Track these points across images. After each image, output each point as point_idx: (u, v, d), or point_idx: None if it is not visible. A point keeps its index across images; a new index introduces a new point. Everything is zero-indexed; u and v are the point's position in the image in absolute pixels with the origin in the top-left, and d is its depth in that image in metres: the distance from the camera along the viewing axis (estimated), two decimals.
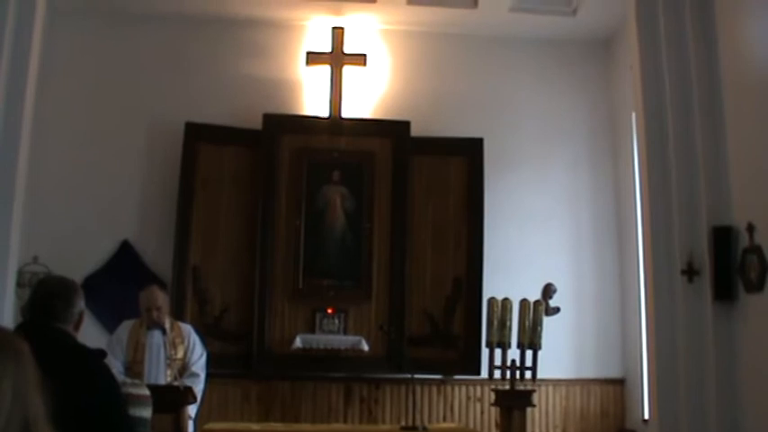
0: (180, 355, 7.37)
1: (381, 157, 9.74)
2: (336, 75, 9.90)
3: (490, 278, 9.50)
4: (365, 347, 9.20)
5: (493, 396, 8.76)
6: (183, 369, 7.36)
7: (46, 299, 3.60)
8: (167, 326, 7.44)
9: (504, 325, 8.66)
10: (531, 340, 8.64)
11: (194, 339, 7.56)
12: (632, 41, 7.24)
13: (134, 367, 7.16)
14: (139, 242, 9.57)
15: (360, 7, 9.89)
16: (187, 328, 7.68)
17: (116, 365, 6.73)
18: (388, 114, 9.96)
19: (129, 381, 4.43)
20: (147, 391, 4.73)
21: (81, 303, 3.67)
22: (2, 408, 1.75)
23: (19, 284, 6.96)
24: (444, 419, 9.56)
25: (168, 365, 7.25)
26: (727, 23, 6.53)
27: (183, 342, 7.44)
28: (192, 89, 9.79)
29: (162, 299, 7.47)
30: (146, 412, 4.54)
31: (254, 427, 7.97)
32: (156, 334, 7.35)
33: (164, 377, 7.18)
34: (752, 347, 6.14)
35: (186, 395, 7.07)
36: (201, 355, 7.54)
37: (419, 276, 9.64)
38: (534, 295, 9.05)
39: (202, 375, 7.46)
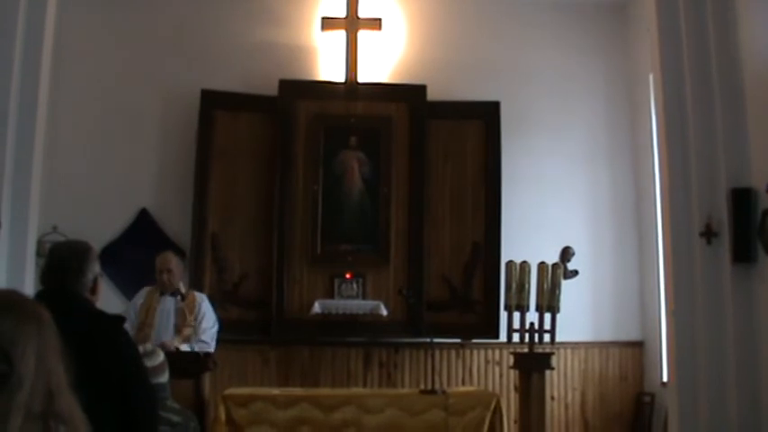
0: (190, 322, 7.42)
1: (398, 121, 9.71)
2: (352, 39, 9.85)
3: (508, 242, 9.49)
4: (384, 312, 9.23)
5: (512, 359, 8.79)
6: (194, 336, 7.40)
7: (58, 267, 3.61)
8: (181, 293, 7.49)
9: (522, 288, 8.67)
10: (549, 303, 8.66)
11: (206, 308, 7.59)
12: (650, 2, 7.16)
13: (143, 329, 7.20)
14: (158, 210, 9.60)
15: None
16: (200, 297, 7.72)
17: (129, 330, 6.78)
18: (405, 79, 9.91)
19: (142, 350, 4.45)
20: (161, 358, 4.77)
21: (95, 268, 3.67)
22: (26, 375, 1.76)
23: (39, 254, 6.99)
24: (463, 383, 9.61)
25: (177, 332, 7.31)
26: None
27: (194, 310, 7.49)
28: (207, 56, 9.77)
29: (175, 263, 7.54)
30: (162, 378, 4.58)
31: (274, 392, 8.04)
32: (169, 300, 7.43)
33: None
34: None
35: (206, 362, 7.13)
36: (213, 325, 7.58)
37: (437, 240, 9.64)
38: (552, 258, 9.04)
39: (212, 345, 7.50)
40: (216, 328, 7.61)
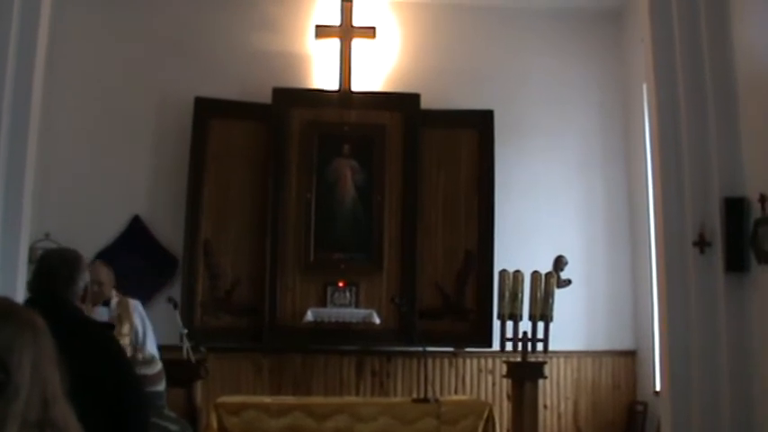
0: (125, 330, 7.32)
1: (392, 130, 9.72)
2: (346, 48, 9.86)
3: (501, 250, 9.49)
4: (377, 320, 9.23)
5: (504, 368, 8.79)
6: (135, 346, 7.30)
7: (48, 275, 3.60)
8: (113, 302, 7.42)
9: (515, 297, 8.67)
10: (542, 312, 8.66)
11: (139, 316, 7.51)
12: (644, 12, 7.18)
13: None
14: (151, 217, 9.58)
15: None
16: (133, 304, 7.64)
17: None
18: (398, 87, 9.92)
19: (140, 359, 4.43)
20: (159, 367, 4.74)
21: (85, 276, 3.67)
22: (22, 384, 1.75)
23: (31, 261, 6.96)
24: (456, 392, 9.60)
25: None
26: None
27: (129, 318, 7.41)
28: (201, 64, 9.77)
29: (105, 274, 7.42)
30: (160, 386, 4.56)
31: (267, 400, 8.03)
32: (101, 310, 7.34)
33: None
34: (764, 318, 6.12)
35: (198, 370, 7.11)
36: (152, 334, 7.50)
37: (430, 249, 9.64)
38: (545, 267, 9.04)
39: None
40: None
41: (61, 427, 1.80)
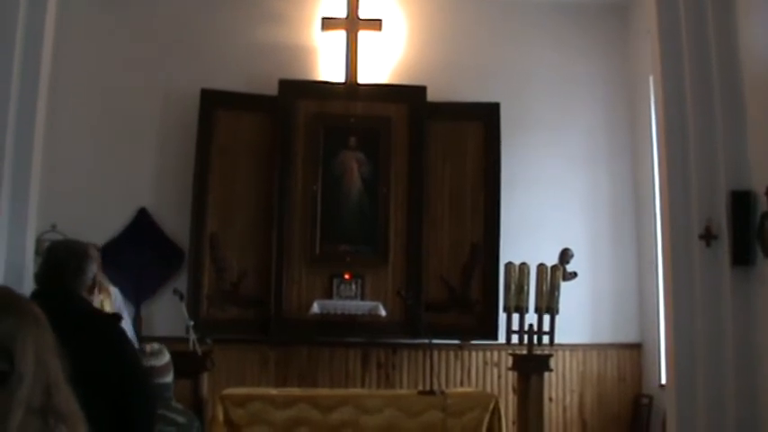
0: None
1: (398, 122, 9.71)
2: (352, 40, 9.85)
3: (507, 243, 9.49)
4: (382, 313, 9.23)
5: (510, 361, 8.79)
6: None
7: (56, 267, 3.60)
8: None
9: (521, 290, 8.67)
10: (548, 305, 8.66)
11: (119, 305, 7.53)
12: (650, 3, 7.15)
13: None
14: (157, 210, 9.60)
15: None
16: (114, 291, 7.67)
17: None
18: (405, 79, 9.91)
19: (147, 350, 4.44)
20: (167, 358, 4.76)
21: (93, 268, 3.67)
22: (26, 373, 1.76)
23: (38, 253, 6.97)
24: (461, 384, 9.61)
25: None
26: None
27: (109, 304, 7.44)
28: (207, 56, 9.77)
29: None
30: (167, 378, 4.58)
31: (272, 392, 8.05)
32: None
33: None
34: None
35: (204, 361, 7.12)
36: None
37: (436, 241, 9.64)
38: (551, 260, 9.03)
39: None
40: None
41: (64, 414, 1.81)
